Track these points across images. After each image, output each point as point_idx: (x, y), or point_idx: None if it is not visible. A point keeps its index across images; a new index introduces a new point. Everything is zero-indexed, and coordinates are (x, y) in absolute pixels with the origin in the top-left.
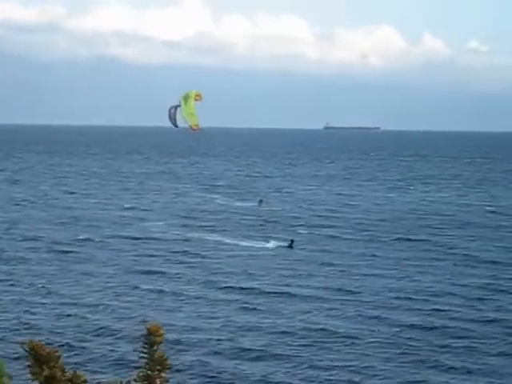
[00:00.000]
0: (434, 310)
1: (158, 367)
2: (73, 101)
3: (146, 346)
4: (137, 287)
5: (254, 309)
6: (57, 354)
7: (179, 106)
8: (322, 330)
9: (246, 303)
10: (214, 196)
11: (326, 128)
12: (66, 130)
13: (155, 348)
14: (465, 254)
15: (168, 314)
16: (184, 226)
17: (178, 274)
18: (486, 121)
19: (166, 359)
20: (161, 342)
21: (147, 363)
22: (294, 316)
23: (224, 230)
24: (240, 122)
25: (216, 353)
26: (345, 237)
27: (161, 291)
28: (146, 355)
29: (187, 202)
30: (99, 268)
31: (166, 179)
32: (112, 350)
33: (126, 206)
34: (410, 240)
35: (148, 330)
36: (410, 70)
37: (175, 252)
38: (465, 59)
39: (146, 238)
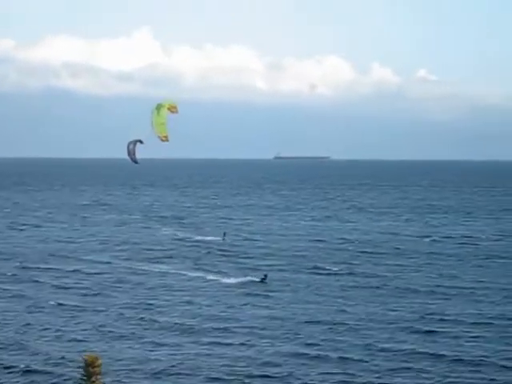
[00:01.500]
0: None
1: None
2: (23, 132)
3: (85, 377)
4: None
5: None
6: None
7: (138, 140)
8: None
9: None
10: (166, 229)
11: (277, 158)
12: (23, 162)
13: (93, 379)
14: (398, 285)
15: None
16: (135, 259)
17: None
18: (434, 149)
19: None
20: (99, 373)
21: None
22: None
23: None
24: (189, 153)
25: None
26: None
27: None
28: None
29: (134, 234)
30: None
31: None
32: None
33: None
34: (348, 270)
35: (85, 361)
36: (359, 100)
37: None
38: (414, 88)
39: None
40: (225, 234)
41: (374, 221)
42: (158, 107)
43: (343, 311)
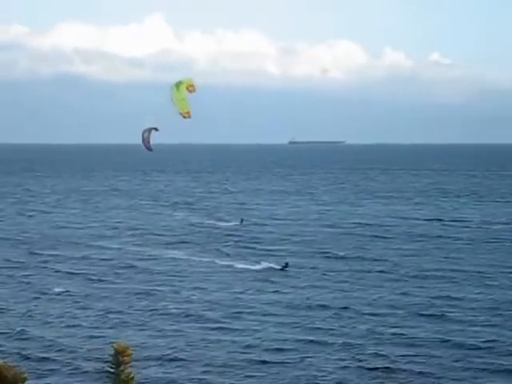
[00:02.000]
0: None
1: None
2: (34, 119)
3: (114, 365)
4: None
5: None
6: (22, 375)
7: (153, 128)
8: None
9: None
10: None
11: (291, 143)
12: (32, 148)
13: (122, 368)
14: (409, 269)
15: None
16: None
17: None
18: (447, 133)
19: (131, 379)
20: (128, 362)
21: (114, 383)
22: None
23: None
24: (203, 138)
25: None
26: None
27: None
28: (112, 375)
29: (147, 220)
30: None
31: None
32: (77, 369)
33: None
34: (360, 255)
35: (115, 349)
36: (372, 84)
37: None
38: (427, 72)
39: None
40: (242, 220)
41: (385, 205)
42: (178, 84)
43: (354, 297)
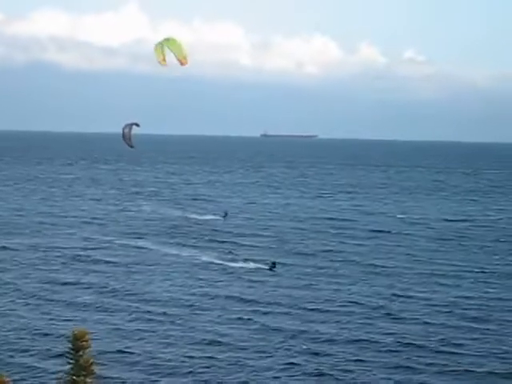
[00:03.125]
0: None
1: (84, 372)
2: (9, 106)
3: (72, 351)
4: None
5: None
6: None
7: (134, 124)
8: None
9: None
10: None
11: (264, 136)
12: (4, 135)
13: (81, 353)
14: (370, 264)
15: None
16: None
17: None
18: (422, 129)
19: (91, 364)
20: (87, 348)
21: (72, 368)
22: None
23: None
24: (176, 129)
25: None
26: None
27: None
28: (71, 360)
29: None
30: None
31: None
32: (35, 355)
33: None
34: (324, 250)
35: (74, 335)
36: (347, 79)
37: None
38: (401, 68)
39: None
40: (226, 214)
41: (348, 199)
42: (167, 39)
43: (320, 292)
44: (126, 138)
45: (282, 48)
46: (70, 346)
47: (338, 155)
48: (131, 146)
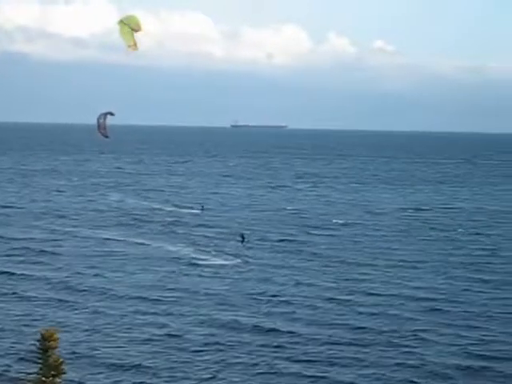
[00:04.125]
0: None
1: (53, 372)
2: None
3: (41, 351)
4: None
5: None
6: None
7: (109, 113)
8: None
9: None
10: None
11: (234, 126)
12: None
13: (49, 353)
14: (331, 255)
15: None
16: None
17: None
18: (390, 119)
19: (61, 364)
20: (55, 347)
21: (41, 368)
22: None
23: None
24: (147, 120)
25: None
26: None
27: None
28: (40, 360)
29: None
30: None
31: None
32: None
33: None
34: (283, 240)
35: (42, 335)
36: (316, 69)
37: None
38: (371, 59)
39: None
40: (203, 207)
41: (312, 189)
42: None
43: (281, 286)
44: (101, 127)
45: (251, 38)
46: (38, 345)
47: (305, 145)
48: (106, 136)
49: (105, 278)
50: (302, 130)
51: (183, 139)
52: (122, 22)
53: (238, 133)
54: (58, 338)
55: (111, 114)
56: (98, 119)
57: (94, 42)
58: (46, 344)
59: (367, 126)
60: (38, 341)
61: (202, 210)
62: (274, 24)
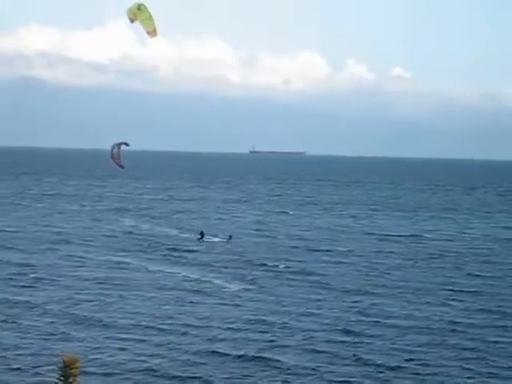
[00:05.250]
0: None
1: None
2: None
3: (62, 378)
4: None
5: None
6: None
7: (123, 143)
8: None
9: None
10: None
11: (252, 152)
12: None
13: (71, 380)
14: (340, 282)
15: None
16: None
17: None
18: (409, 146)
19: None
20: (76, 375)
21: None
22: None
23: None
24: (164, 145)
25: None
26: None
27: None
28: None
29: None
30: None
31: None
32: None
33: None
34: (288, 266)
35: (64, 361)
36: (334, 96)
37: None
38: (389, 85)
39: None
40: (231, 237)
41: (324, 217)
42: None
43: (289, 314)
44: (115, 157)
45: (269, 64)
46: (59, 372)
47: (323, 172)
48: (121, 166)
49: (117, 305)
50: (320, 156)
51: (200, 165)
52: (140, 7)
53: (255, 159)
54: (79, 366)
55: (126, 144)
56: (112, 149)
57: (112, 67)
58: (67, 371)
59: (385, 153)
60: (59, 367)
61: (230, 239)
62: (291, 50)
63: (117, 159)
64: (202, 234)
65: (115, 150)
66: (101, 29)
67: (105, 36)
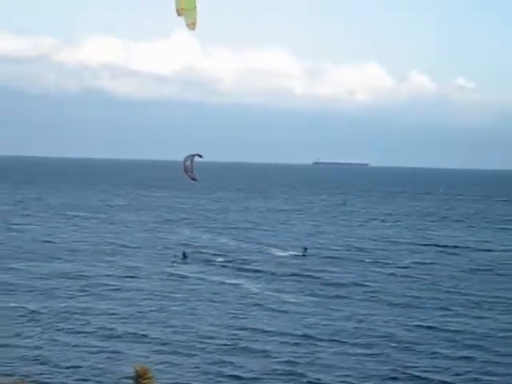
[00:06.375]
0: None
1: None
2: (62, 133)
3: None
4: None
5: None
6: None
7: (196, 155)
8: None
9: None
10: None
11: (315, 163)
12: (56, 162)
13: None
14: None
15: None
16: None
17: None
18: (474, 157)
19: None
20: None
21: None
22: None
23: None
24: (228, 156)
25: None
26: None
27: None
28: None
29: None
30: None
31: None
32: None
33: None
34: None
35: (136, 372)
36: (397, 106)
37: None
38: (452, 96)
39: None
40: (306, 250)
41: (378, 228)
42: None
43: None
44: (188, 170)
45: (332, 75)
46: (132, 382)
47: (388, 183)
48: (194, 179)
49: (183, 316)
50: (384, 167)
51: (262, 176)
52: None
53: (319, 170)
54: (151, 376)
55: (199, 155)
56: (185, 161)
57: (175, 79)
58: (140, 381)
59: (450, 164)
60: (133, 378)
61: (305, 251)
62: (355, 61)
63: (189, 172)
64: (185, 255)
65: (188, 163)
66: (164, 40)
67: (168, 47)
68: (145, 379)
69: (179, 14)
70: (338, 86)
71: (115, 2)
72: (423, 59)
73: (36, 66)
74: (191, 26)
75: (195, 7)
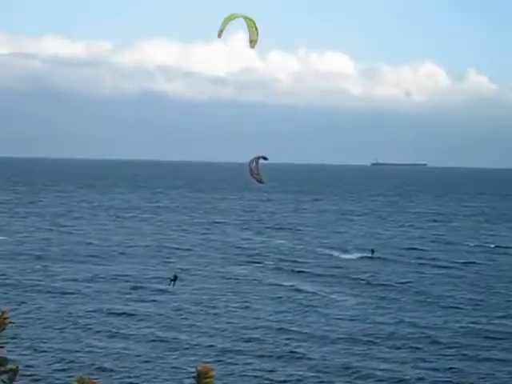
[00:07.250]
0: None
1: None
2: (119, 135)
3: None
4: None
5: None
6: None
7: (261, 157)
8: None
9: None
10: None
11: (374, 164)
12: (114, 164)
13: None
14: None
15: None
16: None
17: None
18: None
19: None
20: None
21: None
22: None
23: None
24: (285, 158)
25: None
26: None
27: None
28: None
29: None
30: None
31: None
32: None
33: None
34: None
35: (198, 371)
36: (455, 107)
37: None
38: (511, 96)
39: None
40: (373, 251)
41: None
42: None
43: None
44: (254, 172)
45: (389, 75)
46: (194, 382)
47: (443, 183)
48: (261, 182)
49: (236, 318)
50: (441, 168)
51: (321, 176)
52: (246, 17)
53: (378, 171)
54: (213, 375)
55: (264, 158)
56: (250, 164)
57: (231, 81)
58: (202, 381)
59: (508, 165)
60: (194, 377)
61: (373, 253)
62: (411, 61)
63: (255, 174)
64: (175, 277)
65: (253, 165)
66: (220, 42)
67: (224, 49)
68: (207, 378)
69: (251, 47)
70: (394, 86)
71: (170, 5)
72: (481, 59)
73: (93, 70)
74: (254, 43)
75: (257, 29)
